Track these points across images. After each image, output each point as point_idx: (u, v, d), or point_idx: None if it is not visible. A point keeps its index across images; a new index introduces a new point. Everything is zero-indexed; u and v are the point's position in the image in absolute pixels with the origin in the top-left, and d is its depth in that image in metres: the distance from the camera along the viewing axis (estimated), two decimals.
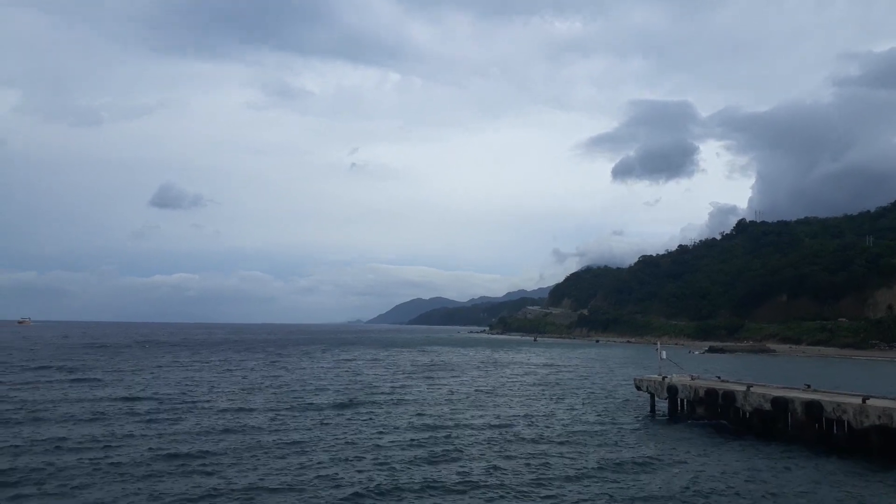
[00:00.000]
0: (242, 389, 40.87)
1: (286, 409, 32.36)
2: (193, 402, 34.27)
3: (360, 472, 19.49)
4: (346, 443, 23.94)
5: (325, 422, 28.64)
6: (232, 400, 35.36)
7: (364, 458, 21.49)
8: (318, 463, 20.54)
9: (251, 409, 31.79)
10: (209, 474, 18.78)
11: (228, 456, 21.21)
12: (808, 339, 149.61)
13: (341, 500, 16.59)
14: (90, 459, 20.20)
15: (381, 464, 20.57)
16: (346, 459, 21.14)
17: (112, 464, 19.69)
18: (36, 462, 19.69)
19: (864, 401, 24.27)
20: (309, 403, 34.49)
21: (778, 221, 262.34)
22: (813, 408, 25.25)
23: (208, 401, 34.70)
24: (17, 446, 21.85)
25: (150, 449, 21.96)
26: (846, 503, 17.31)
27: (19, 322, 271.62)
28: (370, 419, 29.76)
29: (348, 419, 29.64)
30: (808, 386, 30.70)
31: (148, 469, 19.21)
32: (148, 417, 28.72)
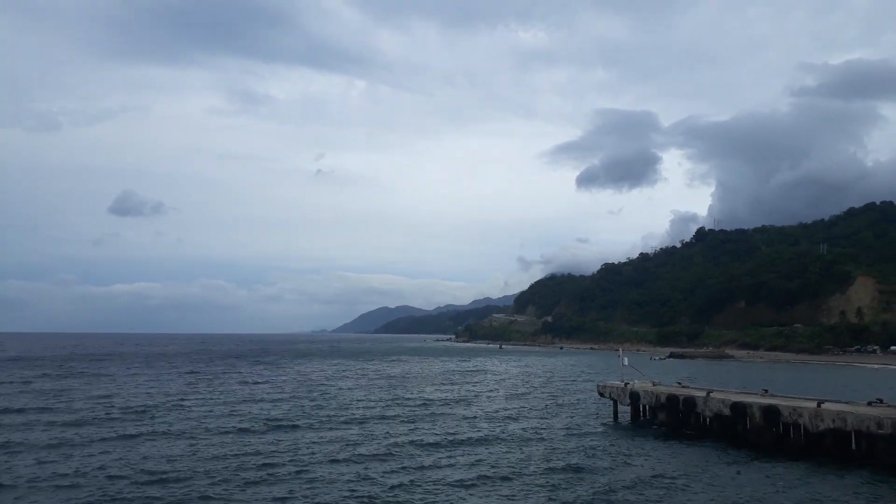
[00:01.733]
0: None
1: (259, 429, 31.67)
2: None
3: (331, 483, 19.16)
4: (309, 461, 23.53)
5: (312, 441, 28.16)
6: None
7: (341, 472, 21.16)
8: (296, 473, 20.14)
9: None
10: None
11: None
12: (766, 345, 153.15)
13: None
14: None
15: (361, 478, 20.28)
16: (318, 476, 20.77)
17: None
18: None
19: (819, 405, 24.86)
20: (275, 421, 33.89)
21: (736, 230, 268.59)
22: (770, 412, 25.74)
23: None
24: None
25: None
26: None
27: None
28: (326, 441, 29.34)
29: (321, 438, 29.18)
30: (766, 391, 31.35)
31: None
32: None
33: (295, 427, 29.90)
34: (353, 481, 19.46)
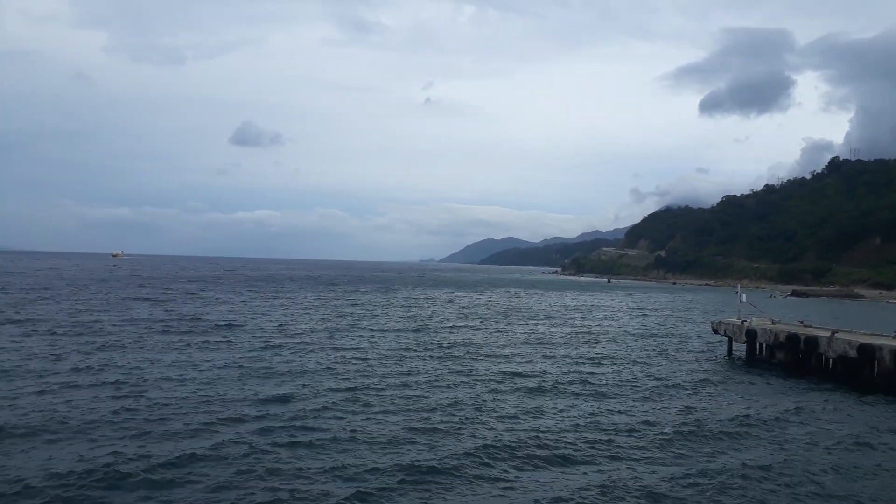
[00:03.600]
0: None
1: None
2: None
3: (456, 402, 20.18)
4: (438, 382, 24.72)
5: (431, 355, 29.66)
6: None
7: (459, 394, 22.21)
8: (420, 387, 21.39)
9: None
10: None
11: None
12: None
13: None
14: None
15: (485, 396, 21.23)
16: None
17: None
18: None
19: None
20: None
21: (876, 160, 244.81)
22: None
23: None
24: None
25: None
26: None
27: (113, 255, 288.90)
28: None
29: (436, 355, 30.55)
30: None
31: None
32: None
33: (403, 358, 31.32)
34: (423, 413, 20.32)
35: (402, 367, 26.68)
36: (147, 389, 20.71)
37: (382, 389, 21.98)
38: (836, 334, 28.32)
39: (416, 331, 40.06)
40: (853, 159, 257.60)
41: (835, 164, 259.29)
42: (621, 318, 58.82)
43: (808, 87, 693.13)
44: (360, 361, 27.50)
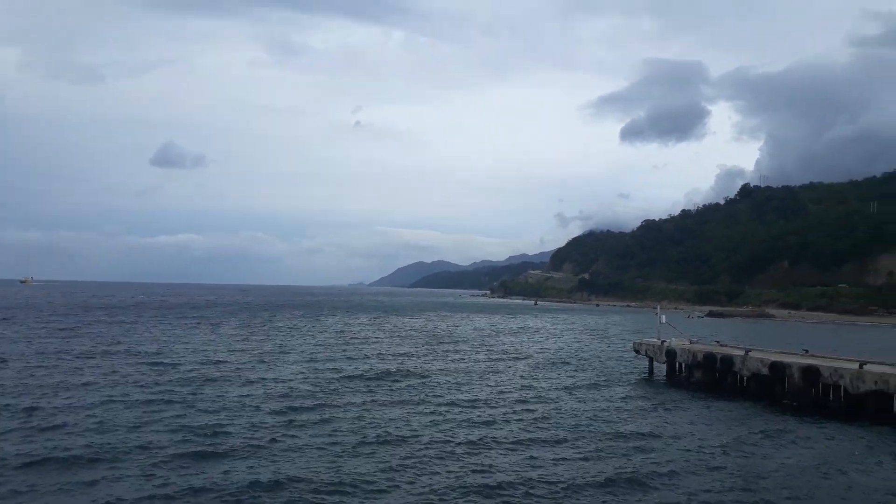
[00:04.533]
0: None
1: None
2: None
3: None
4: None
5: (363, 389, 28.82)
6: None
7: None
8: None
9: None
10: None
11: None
12: (808, 305, 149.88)
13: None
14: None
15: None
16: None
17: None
18: None
19: (861, 366, 24.33)
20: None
21: (783, 187, 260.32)
22: (810, 373, 25.32)
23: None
24: None
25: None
26: (833, 469, 17.37)
27: (22, 281, 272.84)
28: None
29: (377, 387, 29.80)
30: (806, 351, 30.80)
31: None
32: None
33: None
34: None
35: (330, 400, 24.89)
36: (50, 426, 19.27)
37: (308, 425, 21.13)
38: (749, 353, 29.44)
39: (348, 359, 38.37)
40: (763, 186, 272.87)
41: (746, 191, 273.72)
42: (547, 340, 59.52)
43: (722, 116, 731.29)
44: (284, 395, 25.69)
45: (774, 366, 26.94)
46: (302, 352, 40.73)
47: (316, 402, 23.79)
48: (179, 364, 32.99)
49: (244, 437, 18.42)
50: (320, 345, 46.07)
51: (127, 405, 22.27)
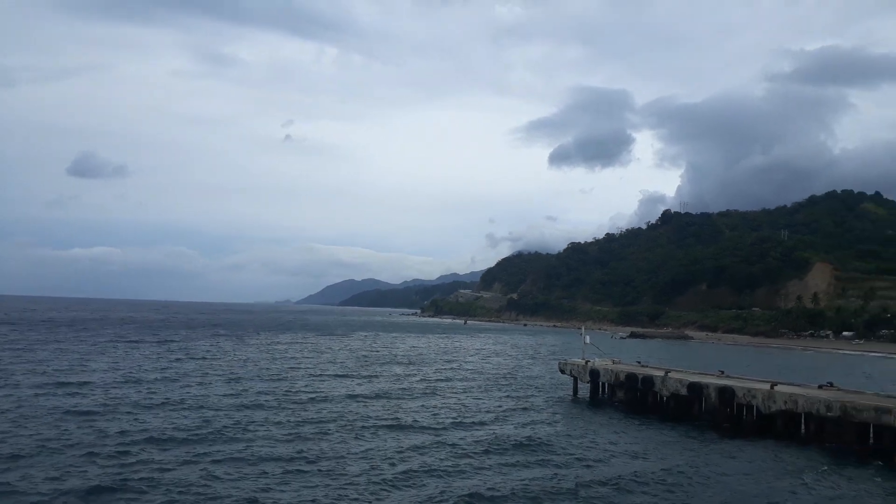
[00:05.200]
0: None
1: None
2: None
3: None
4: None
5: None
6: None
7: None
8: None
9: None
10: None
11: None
12: (724, 327, 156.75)
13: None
14: None
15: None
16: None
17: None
18: None
19: (772, 387, 25.44)
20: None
21: (701, 213, 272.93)
22: (725, 393, 26.27)
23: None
24: None
25: None
26: (745, 482, 17.97)
27: None
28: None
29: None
30: (722, 372, 31.98)
31: None
32: None
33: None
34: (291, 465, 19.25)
35: (252, 428, 23.39)
36: None
37: (224, 460, 20.28)
38: (669, 374, 30.34)
39: (271, 380, 37.06)
40: (683, 212, 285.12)
41: (667, 216, 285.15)
42: (477, 359, 59.71)
43: (646, 144, 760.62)
44: (201, 423, 24.56)
45: (692, 386, 27.84)
46: (222, 374, 39.22)
47: (232, 430, 22.57)
48: (88, 384, 31.20)
49: (148, 473, 17.13)
50: (241, 367, 44.51)
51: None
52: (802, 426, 23.93)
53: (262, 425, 23.03)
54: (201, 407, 25.97)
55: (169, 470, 16.85)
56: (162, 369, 39.11)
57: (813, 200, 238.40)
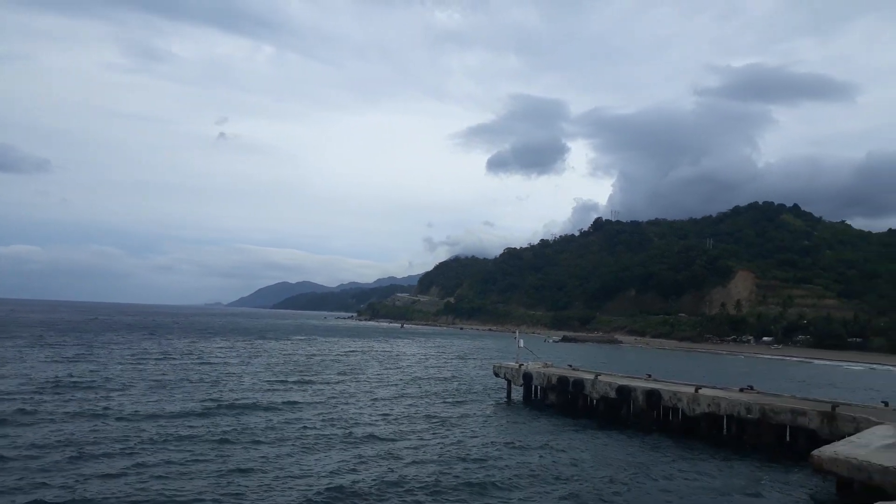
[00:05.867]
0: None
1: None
2: None
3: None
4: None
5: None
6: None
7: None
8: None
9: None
10: None
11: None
12: (652, 332, 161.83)
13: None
14: None
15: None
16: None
17: None
18: None
19: (696, 390, 26.28)
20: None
21: (631, 221, 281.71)
22: (652, 396, 26.98)
23: None
24: None
25: None
26: (667, 482, 18.44)
27: None
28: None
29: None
30: (649, 375, 32.86)
31: None
32: None
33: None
34: (211, 481, 18.60)
35: (176, 442, 23.06)
36: None
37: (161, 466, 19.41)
38: (599, 377, 30.96)
39: (197, 388, 35.99)
40: (614, 220, 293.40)
41: (599, 224, 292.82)
42: (414, 364, 59.45)
43: (580, 153, 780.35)
44: (123, 435, 24.00)
45: (621, 389, 28.48)
46: (143, 380, 37.68)
47: (154, 441, 21.83)
48: None
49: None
50: (164, 373, 42.91)
51: None
52: (725, 428, 24.79)
53: (187, 436, 22.13)
54: (120, 419, 24.78)
55: (83, 483, 15.98)
56: (79, 376, 37.24)
57: (737, 211, 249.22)
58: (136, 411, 25.50)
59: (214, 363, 48.80)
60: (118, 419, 23.85)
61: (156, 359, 49.27)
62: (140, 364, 44.61)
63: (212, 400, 29.46)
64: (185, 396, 30.16)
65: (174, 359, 50.30)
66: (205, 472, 17.21)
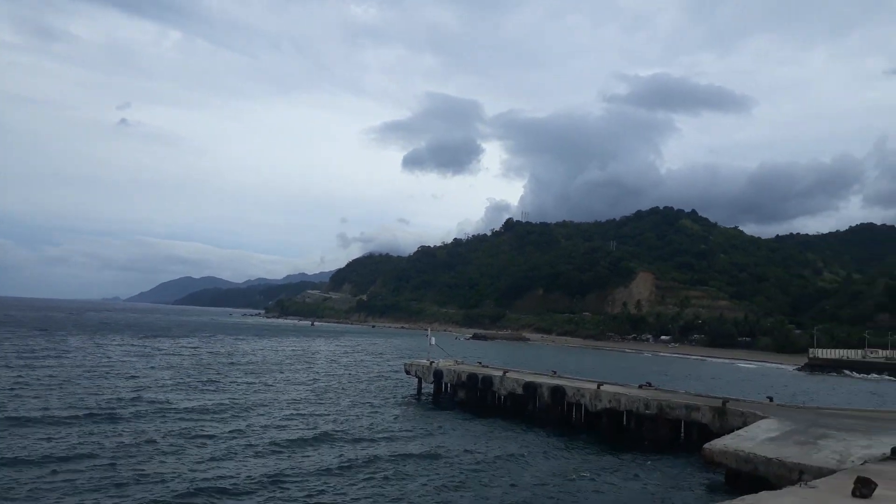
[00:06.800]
0: None
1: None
2: None
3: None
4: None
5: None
6: None
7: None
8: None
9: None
10: None
11: None
12: (558, 330, 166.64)
13: None
14: None
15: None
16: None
17: None
18: None
19: (598, 386, 27.22)
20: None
21: (541, 222, 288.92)
22: (557, 392, 27.75)
23: None
24: None
25: None
26: (573, 476, 19.01)
27: None
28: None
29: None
30: (555, 372, 33.84)
31: None
32: None
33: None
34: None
35: (67, 449, 21.59)
36: None
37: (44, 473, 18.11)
38: (506, 374, 31.56)
39: (88, 391, 33.94)
40: (524, 221, 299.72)
41: (510, 224, 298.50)
42: (323, 363, 58.54)
43: (494, 154, 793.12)
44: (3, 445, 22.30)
45: (528, 386, 29.15)
46: (28, 384, 35.23)
47: (41, 448, 20.45)
48: None
49: None
50: (57, 372, 40.27)
51: None
52: (625, 423, 25.80)
53: (80, 442, 20.79)
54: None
55: None
56: None
57: (639, 215, 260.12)
58: (20, 416, 23.78)
59: (110, 363, 46.23)
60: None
61: (44, 357, 46.16)
62: (28, 363, 41.65)
63: (104, 404, 27.88)
64: (75, 400, 28.37)
65: (66, 357, 47.28)
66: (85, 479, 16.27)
